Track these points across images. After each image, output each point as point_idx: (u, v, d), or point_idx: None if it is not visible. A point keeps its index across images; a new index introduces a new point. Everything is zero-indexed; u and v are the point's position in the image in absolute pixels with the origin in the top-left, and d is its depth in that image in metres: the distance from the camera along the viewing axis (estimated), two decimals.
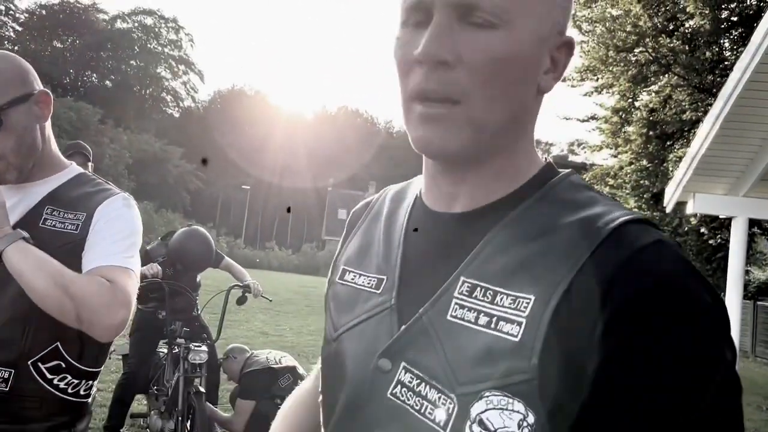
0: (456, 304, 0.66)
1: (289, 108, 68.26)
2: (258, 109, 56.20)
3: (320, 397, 0.85)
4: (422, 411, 0.65)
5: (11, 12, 48.68)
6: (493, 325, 0.63)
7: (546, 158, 0.76)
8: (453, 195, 0.74)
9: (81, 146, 4.22)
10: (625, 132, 15.27)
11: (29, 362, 1.31)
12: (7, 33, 48.43)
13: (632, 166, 14.67)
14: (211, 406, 4.02)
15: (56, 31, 50.05)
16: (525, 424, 0.59)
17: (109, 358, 5.51)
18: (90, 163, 4.18)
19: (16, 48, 47.57)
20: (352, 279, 0.82)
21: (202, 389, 3.80)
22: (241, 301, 4.24)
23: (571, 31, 0.82)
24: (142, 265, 4.25)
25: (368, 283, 0.78)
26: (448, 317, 0.66)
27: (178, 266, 4.30)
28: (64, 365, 1.35)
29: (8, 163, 1.36)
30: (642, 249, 0.59)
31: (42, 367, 1.33)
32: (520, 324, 0.61)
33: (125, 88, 52.01)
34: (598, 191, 0.71)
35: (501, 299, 0.64)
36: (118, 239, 1.40)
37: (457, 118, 0.66)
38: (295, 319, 12.38)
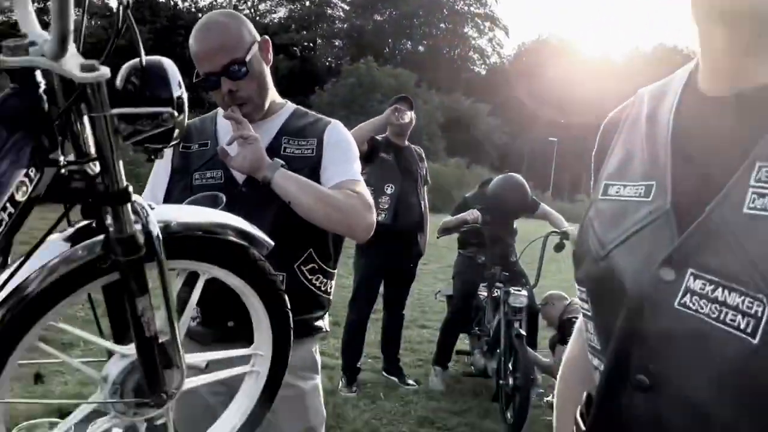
0: (754, 193, 0.58)
1: (598, 53, 64.53)
2: (564, 58, 54.37)
3: (590, 324, 0.75)
4: (722, 319, 0.57)
5: None
6: None
7: None
8: (737, 71, 0.65)
9: (406, 96, 4.55)
10: None
11: (294, 266, 1.57)
12: (337, 13, 54.70)
13: None
14: (530, 350, 4.07)
15: (376, 6, 54.87)
16: None
17: (435, 298, 6.00)
18: (412, 112, 4.39)
19: (345, 26, 53.38)
20: (617, 192, 0.73)
21: (523, 332, 3.86)
22: (558, 248, 4.16)
23: None
24: (461, 212, 4.50)
25: (636, 193, 0.70)
26: (745, 210, 0.58)
27: (495, 213, 4.40)
28: (317, 267, 1.62)
29: (255, 104, 1.60)
30: None
31: (303, 269, 1.59)
32: None
33: (436, 51, 54.86)
34: None
35: None
36: (348, 158, 1.66)
37: None
38: None
